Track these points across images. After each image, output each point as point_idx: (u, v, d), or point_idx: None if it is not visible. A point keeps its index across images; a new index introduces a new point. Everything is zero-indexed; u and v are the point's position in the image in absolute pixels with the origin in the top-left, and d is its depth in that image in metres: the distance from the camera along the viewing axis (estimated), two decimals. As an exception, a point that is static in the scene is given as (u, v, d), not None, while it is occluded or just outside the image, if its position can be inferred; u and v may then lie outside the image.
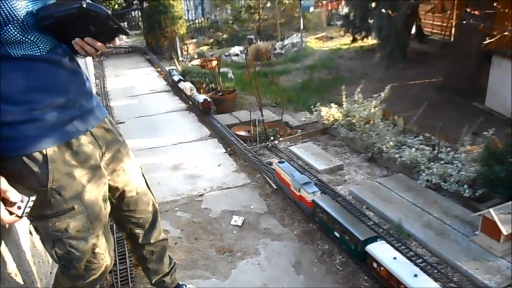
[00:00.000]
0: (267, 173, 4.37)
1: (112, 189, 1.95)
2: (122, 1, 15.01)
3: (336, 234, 3.12)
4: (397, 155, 4.31)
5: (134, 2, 12.74)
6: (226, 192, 4.34)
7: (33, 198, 1.39)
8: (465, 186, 3.67)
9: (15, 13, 1.34)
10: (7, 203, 1.34)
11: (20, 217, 1.37)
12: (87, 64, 7.63)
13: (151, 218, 2.25)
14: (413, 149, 4.21)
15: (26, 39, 1.39)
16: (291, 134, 5.93)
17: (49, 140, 1.53)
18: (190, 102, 7.46)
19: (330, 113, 5.37)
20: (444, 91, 7.44)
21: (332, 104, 5.49)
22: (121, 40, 16.95)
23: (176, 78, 8.52)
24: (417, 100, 7.43)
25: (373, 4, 8.25)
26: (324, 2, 15.00)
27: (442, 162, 4.07)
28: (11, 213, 1.36)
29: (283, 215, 3.82)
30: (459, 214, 3.47)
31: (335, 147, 5.17)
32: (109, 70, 11.46)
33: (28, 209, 1.38)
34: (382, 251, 2.69)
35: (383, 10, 5.68)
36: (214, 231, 3.68)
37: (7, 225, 1.82)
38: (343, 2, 11.55)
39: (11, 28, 1.34)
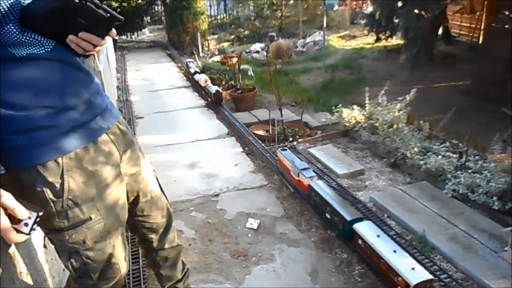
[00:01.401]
0: (292, 182, 4.23)
1: (127, 193, 1.86)
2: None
3: (327, 215, 3.33)
4: (421, 162, 4.12)
5: None
6: (242, 193, 4.23)
7: (40, 213, 1.29)
8: (495, 198, 3.46)
9: (16, 10, 1.22)
10: (14, 220, 1.25)
11: (28, 234, 1.28)
12: (108, 58, 7.62)
13: (165, 223, 2.16)
14: (439, 156, 4.00)
15: (29, 38, 1.28)
16: (310, 135, 5.78)
17: (71, 143, 1.44)
18: (209, 99, 7.38)
19: (352, 115, 5.19)
20: (471, 96, 7.14)
21: (354, 106, 5.30)
22: (144, 35, 17.10)
23: (192, 70, 8.62)
24: (443, 104, 7.17)
25: (400, 4, 7.98)
26: (349, 1, 14.68)
27: (469, 171, 3.86)
28: (17, 230, 1.27)
29: (300, 220, 3.69)
30: (487, 227, 3.27)
31: (356, 151, 5.00)
32: (131, 64, 11.50)
33: (35, 226, 1.28)
34: (367, 229, 2.92)
35: (415, 11, 5.42)
36: (229, 233, 3.58)
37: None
38: (368, 1, 11.26)
39: (12, 27, 1.22)
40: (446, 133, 4.57)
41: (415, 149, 4.24)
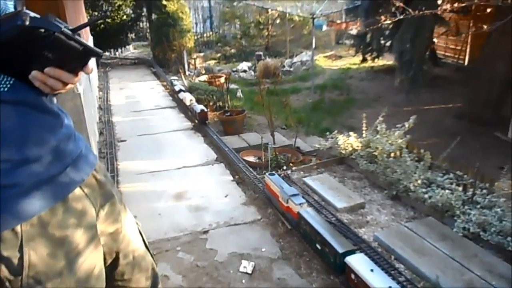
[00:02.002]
0: (280, 209, 3.89)
1: (104, 256, 1.50)
2: (131, 12, 14.70)
3: (318, 246, 3.17)
4: (426, 196, 3.84)
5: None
6: (234, 230, 3.86)
7: None
8: (509, 239, 3.18)
9: None
10: None
11: None
12: (90, 77, 7.22)
13: (150, 286, 1.79)
14: (446, 191, 3.72)
15: None
16: (304, 161, 5.48)
17: (33, 205, 1.14)
18: (196, 121, 7.05)
19: (348, 142, 4.90)
20: (464, 119, 6.98)
21: (351, 133, 5.03)
22: (128, 51, 16.73)
23: (177, 88, 8.54)
24: (436, 127, 7.00)
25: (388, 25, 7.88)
26: (338, 22, 14.66)
27: (478, 206, 3.59)
28: None
29: (299, 262, 3.33)
30: (504, 272, 2.98)
31: (353, 180, 4.70)
32: (114, 82, 11.10)
33: None
34: (360, 263, 2.74)
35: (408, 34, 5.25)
36: (221, 278, 3.20)
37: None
38: (358, 23, 11.22)
39: None
40: (449, 163, 4.31)
41: (419, 181, 3.96)
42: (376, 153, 4.50)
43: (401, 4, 4.21)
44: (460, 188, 3.83)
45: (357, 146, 4.87)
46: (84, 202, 1.34)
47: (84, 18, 7.99)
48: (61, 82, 1.13)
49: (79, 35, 1.11)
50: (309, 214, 3.36)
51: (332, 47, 15.80)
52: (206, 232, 3.84)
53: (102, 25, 13.14)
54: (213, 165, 5.42)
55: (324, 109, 8.55)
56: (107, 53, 15.04)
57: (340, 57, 14.46)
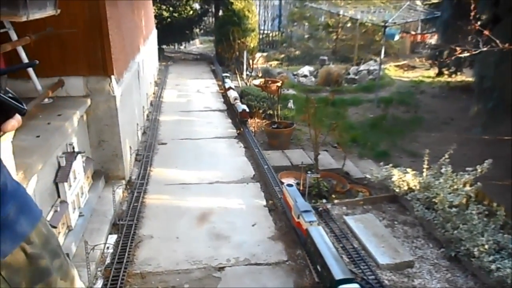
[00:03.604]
0: (292, 223, 3.67)
1: None
2: (198, 7, 14.66)
3: (318, 268, 3.03)
4: (493, 266, 3.04)
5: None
6: (253, 271, 3.36)
7: None
8: None
9: None
10: None
11: None
12: (142, 73, 7.10)
13: None
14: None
15: None
16: (350, 190, 4.82)
17: None
18: (241, 129, 6.65)
19: (404, 179, 4.17)
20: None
21: (408, 170, 4.28)
22: (193, 46, 16.81)
23: (227, 85, 8.68)
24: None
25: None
26: (413, 32, 13.45)
27: None
28: None
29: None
30: None
31: (405, 226, 3.97)
32: (172, 77, 11.07)
33: None
34: None
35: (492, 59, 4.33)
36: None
37: None
38: (436, 36, 10.11)
39: None
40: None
41: (486, 246, 3.16)
42: (436, 200, 3.73)
43: (486, 33, 3.37)
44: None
45: (415, 186, 4.13)
46: None
47: (150, 17, 7.87)
48: None
49: None
50: (317, 233, 3.19)
51: (406, 56, 14.59)
52: (221, 269, 3.37)
53: (168, 19, 13.21)
54: (248, 183, 4.95)
55: (385, 128, 7.68)
56: (171, 46, 15.19)
57: (414, 67, 13.26)
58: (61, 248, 1.14)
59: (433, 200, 3.81)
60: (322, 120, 6.37)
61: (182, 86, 10.03)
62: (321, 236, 3.15)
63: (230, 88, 8.34)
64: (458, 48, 3.62)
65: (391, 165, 4.50)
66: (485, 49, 3.37)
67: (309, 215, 3.39)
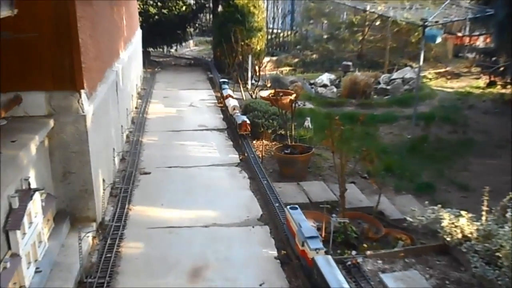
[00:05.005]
0: (296, 252, 3.79)
1: None
2: (193, 1, 14.82)
3: None
4: None
5: None
6: None
7: None
8: None
9: None
10: None
11: None
12: (121, 84, 7.04)
13: None
14: None
15: None
16: (387, 235, 4.64)
17: None
18: (246, 154, 6.55)
19: (457, 224, 3.97)
20: None
21: (463, 213, 4.08)
22: (187, 48, 16.94)
23: (225, 92, 8.98)
24: None
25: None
26: (459, 34, 13.40)
27: None
28: None
29: None
30: None
31: (459, 287, 3.73)
32: (159, 87, 11.14)
33: None
34: None
35: None
36: None
37: None
38: (489, 39, 10.03)
39: None
40: None
41: None
42: (500, 254, 3.51)
43: None
44: None
45: (471, 234, 3.92)
46: None
47: (134, 15, 7.94)
48: None
49: None
50: (325, 263, 3.26)
51: (448, 61, 14.57)
52: None
53: (156, 17, 13.30)
54: (254, 227, 4.78)
55: (427, 153, 7.52)
56: (159, 50, 15.32)
57: (458, 75, 13.22)
58: None
59: (496, 253, 3.59)
60: (348, 143, 6.23)
61: (171, 99, 10.06)
62: (329, 266, 3.20)
63: (229, 96, 8.47)
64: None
65: (439, 206, 4.30)
66: None
67: (315, 242, 3.51)
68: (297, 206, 4.26)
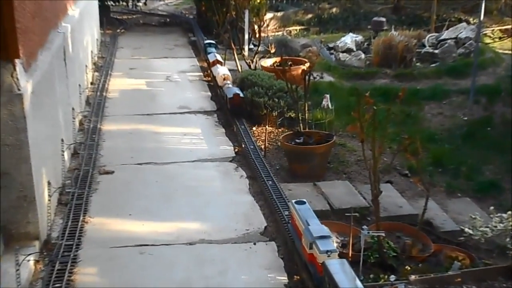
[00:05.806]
0: (303, 257, 4.07)
1: None
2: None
3: None
4: None
5: None
6: None
7: None
8: None
9: None
10: None
11: None
12: (69, 51, 7.12)
13: None
14: None
15: None
16: (437, 253, 4.73)
17: None
18: (243, 145, 6.73)
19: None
20: None
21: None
22: (159, 1, 17.05)
23: (211, 58, 9.25)
24: None
25: None
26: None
27: None
28: None
29: None
30: None
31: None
32: (123, 55, 11.28)
33: None
34: None
35: None
36: None
37: None
38: None
39: None
40: None
41: None
42: None
43: None
44: None
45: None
46: None
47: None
48: None
49: None
50: (338, 268, 3.41)
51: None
52: None
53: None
54: (256, 244, 4.86)
55: (490, 140, 7.67)
56: (123, 3, 15.41)
57: (531, 32, 13.44)
58: None
59: None
60: (382, 128, 6.29)
61: (140, 71, 10.18)
62: (343, 272, 3.35)
63: (216, 61, 8.70)
64: None
65: (509, 213, 4.43)
66: None
67: (326, 243, 3.69)
68: (304, 200, 4.44)
